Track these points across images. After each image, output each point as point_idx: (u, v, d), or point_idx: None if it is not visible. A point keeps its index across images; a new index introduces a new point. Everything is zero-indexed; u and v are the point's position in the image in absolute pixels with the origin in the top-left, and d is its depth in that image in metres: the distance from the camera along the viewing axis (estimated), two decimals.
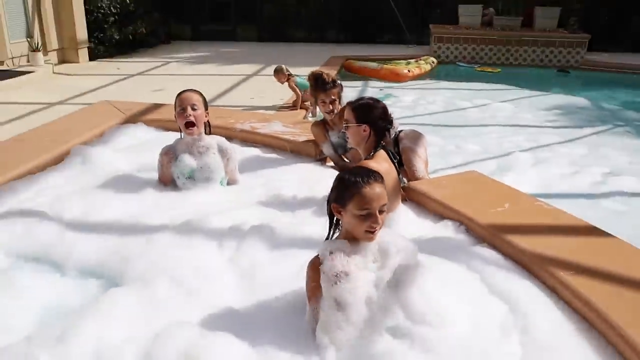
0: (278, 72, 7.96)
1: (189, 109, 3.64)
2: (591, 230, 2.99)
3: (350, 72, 11.02)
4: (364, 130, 3.37)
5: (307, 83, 5.61)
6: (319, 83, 4.38)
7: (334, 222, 2.33)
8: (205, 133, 3.83)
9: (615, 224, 4.05)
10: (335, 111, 4.37)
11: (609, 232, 2.96)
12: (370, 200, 2.14)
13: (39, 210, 3.33)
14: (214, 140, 3.83)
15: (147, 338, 2.18)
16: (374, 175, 2.22)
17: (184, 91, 3.76)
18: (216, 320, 2.37)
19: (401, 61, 11.29)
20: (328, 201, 2.31)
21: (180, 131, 3.78)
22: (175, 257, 2.84)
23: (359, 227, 2.17)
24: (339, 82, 4.42)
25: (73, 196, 3.55)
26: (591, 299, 2.36)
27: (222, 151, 3.82)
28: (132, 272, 2.72)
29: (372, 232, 2.18)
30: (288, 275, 2.67)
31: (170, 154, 3.74)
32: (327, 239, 2.35)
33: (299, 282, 2.49)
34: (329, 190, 2.30)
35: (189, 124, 3.67)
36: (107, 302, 2.41)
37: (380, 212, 2.17)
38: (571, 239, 2.93)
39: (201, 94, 3.79)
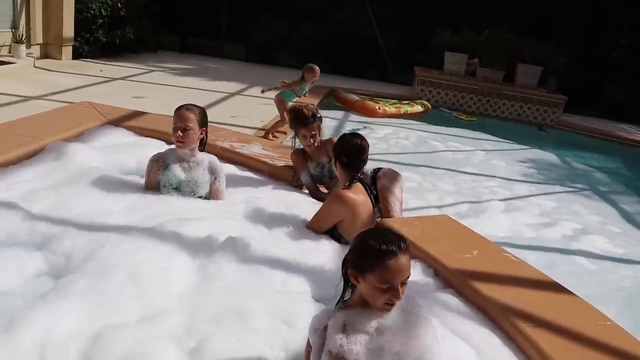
0: (311, 70, 7.59)
1: (179, 131, 3.58)
2: (554, 286, 3.06)
3: (337, 100, 11.27)
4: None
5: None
6: (299, 118, 4.37)
7: (347, 284, 2.08)
8: (199, 149, 3.78)
9: (582, 280, 4.16)
10: (316, 144, 4.40)
11: (570, 289, 3.04)
12: (393, 275, 1.89)
13: (9, 201, 3.28)
14: (206, 158, 3.81)
15: (87, 334, 2.26)
16: (399, 244, 1.93)
17: (182, 107, 3.65)
18: (158, 325, 2.41)
19: (392, 100, 11.56)
20: (344, 262, 2.05)
21: None
22: (141, 255, 2.85)
23: (378, 299, 1.94)
24: (318, 115, 4.41)
25: (47, 190, 3.51)
26: (549, 353, 2.42)
27: (211, 169, 3.79)
28: (92, 265, 2.73)
29: (391, 305, 1.96)
30: (248, 290, 2.72)
31: (160, 162, 3.70)
32: (338, 301, 2.12)
33: (256, 302, 2.58)
34: (347, 250, 2.06)
35: (178, 141, 3.65)
36: (60, 291, 2.48)
37: (403, 284, 1.94)
38: (534, 293, 2.98)
39: (199, 112, 3.67)
